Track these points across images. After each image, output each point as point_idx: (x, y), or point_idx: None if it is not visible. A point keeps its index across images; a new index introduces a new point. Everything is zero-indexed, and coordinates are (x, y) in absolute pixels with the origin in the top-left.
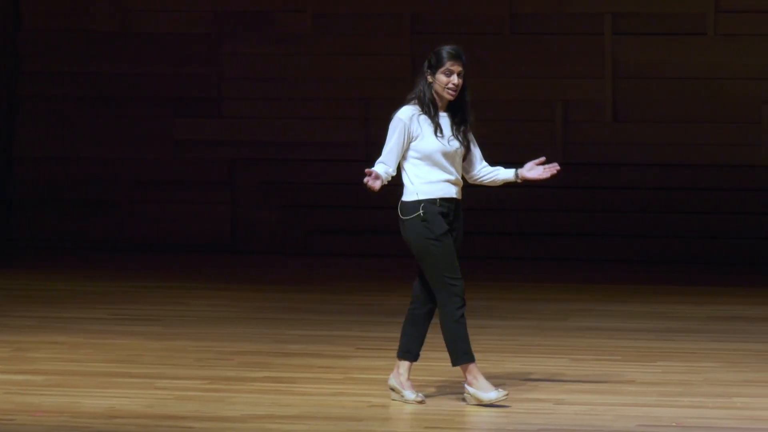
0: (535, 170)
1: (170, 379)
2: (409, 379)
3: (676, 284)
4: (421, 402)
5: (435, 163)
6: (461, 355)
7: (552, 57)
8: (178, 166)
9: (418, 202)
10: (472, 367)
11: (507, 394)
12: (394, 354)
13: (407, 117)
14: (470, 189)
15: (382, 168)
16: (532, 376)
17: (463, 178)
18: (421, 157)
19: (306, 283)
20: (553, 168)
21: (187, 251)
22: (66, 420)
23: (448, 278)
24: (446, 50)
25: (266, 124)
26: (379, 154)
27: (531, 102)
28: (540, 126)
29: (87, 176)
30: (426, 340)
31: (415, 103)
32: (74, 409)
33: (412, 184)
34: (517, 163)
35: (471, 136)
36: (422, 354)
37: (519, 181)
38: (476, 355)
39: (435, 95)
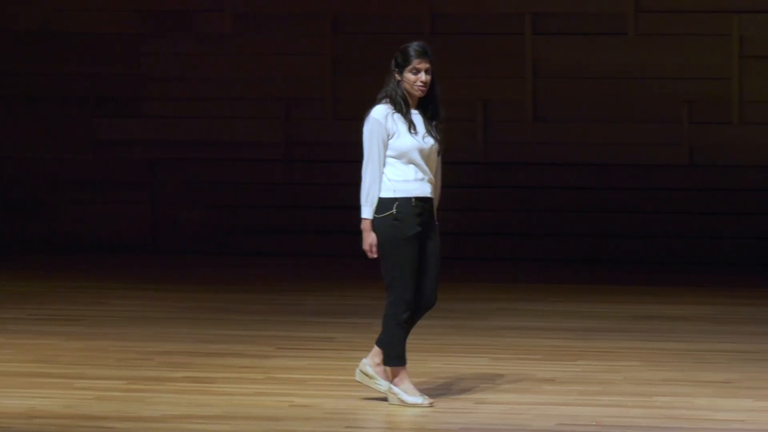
0: None
1: (91, 380)
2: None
3: (596, 283)
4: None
5: (410, 161)
6: (394, 358)
7: (472, 57)
8: (98, 166)
9: (394, 200)
10: (403, 372)
11: (432, 404)
12: (315, 354)
13: (382, 116)
14: None
15: (375, 188)
16: (453, 376)
17: None
18: (397, 156)
19: (227, 283)
20: None
21: (107, 251)
22: None
23: (403, 282)
24: (412, 48)
25: (187, 123)
26: (300, 153)
27: (452, 102)
28: (461, 126)
29: (7, 176)
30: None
31: (386, 102)
32: None
33: (389, 180)
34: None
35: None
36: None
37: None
38: None
39: (405, 93)
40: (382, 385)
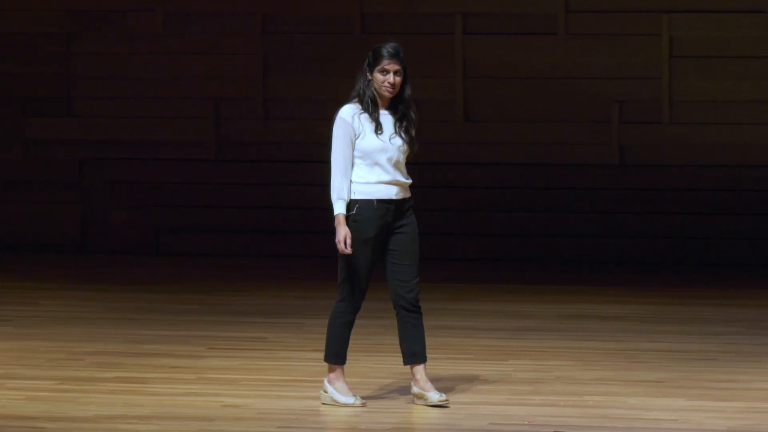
0: None
1: (21, 380)
2: (428, 380)
3: (527, 283)
4: (445, 402)
5: (375, 163)
6: (333, 356)
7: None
8: (28, 166)
9: (354, 201)
10: (339, 370)
11: (364, 404)
12: (247, 354)
13: (349, 116)
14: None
15: (345, 189)
16: (386, 375)
17: None
18: (362, 156)
19: (157, 283)
20: None
21: (37, 251)
22: None
23: (354, 283)
24: (384, 48)
25: (117, 123)
26: (231, 153)
27: None
28: None
29: None
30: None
31: (356, 101)
32: None
33: (352, 183)
34: None
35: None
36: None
37: None
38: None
39: (375, 93)
40: (434, 397)
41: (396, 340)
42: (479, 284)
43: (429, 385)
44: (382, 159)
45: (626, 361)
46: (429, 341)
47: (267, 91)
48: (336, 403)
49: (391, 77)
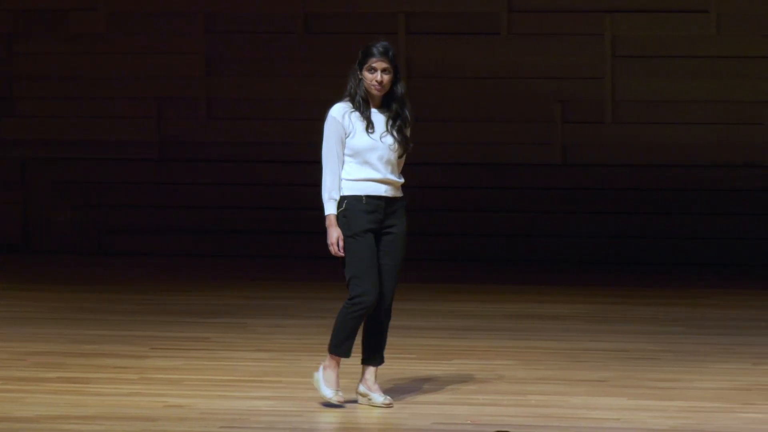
0: None
1: None
2: (376, 382)
3: (470, 283)
4: (389, 405)
5: (365, 162)
6: (334, 345)
7: (346, 57)
8: None
9: (343, 198)
10: (335, 363)
11: (341, 401)
12: (190, 354)
13: (340, 114)
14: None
15: (333, 201)
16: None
17: None
18: (352, 154)
19: (100, 283)
20: None
21: None
22: None
23: (359, 279)
24: (372, 47)
25: (60, 123)
26: (174, 153)
27: (325, 101)
28: None
29: None
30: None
31: (347, 100)
32: None
33: (341, 179)
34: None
35: (409, 134)
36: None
37: None
38: (273, 354)
39: (366, 92)
40: (378, 399)
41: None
42: (423, 284)
43: (376, 386)
44: (373, 157)
45: (569, 360)
46: None
47: (210, 90)
48: (318, 391)
49: (378, 75)
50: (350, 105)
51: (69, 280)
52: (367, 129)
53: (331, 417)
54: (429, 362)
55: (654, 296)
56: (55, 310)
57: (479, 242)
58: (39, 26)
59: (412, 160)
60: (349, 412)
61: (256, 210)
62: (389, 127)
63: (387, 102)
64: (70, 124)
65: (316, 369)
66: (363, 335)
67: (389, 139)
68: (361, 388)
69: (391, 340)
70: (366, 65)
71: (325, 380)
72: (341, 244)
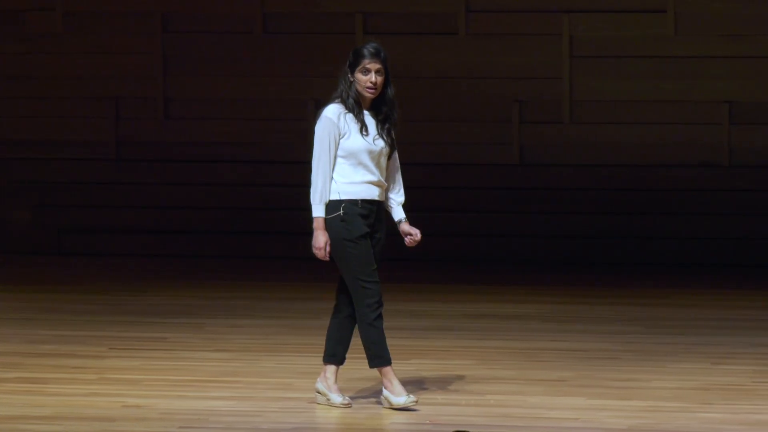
0: (406, 236)
1: None
2: (336, 382)
3: (428, 283)
4: (347, 405)
5: (359, 163)
6: (374, 358)
7: (304, 56)
8: None
9: (340, 201)
10: (386, 370)
11: (416, 401)
12: (148, 354)
13: (335, 115)
14: None
15: (321, 204)
16: (287, 375)
17: None
18: (346, 156)
19: (59, 283)
20: (414, 240)
21: None
22: None
23: (362, 281)
24: (364, 48)
25: (16, 123)
26: (130, 153)
27: (283, 101)
28: (292, 125)
29: None
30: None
31: (339, 102)
32: None
33: (335, 182)
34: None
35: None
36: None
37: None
38: (232, 354)
39: (357, 94)
40: (336, 399)
41: (298, 340)
42: (382, 284)
43: (336, 387)
44: (366, 159)
45: (528, 360)
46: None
47: (167, 90)
48: (392, 406)
49: (372, 76)
50: (342, 107)
51: (27, 281)
52: (361, 131)
53: (289, 417)
54: None
55: (612, 296)
56: (13, 310)
57: (437, 242)
58: None
59: None
60: (307, 413)
61: (214, 210)
62: (379, 130)
63: (377, 104)
64: (26, 125)
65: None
66: (328, 332)
67: (381, 142)
68: (320, 386)
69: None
70: (359, 67)
71: (395, 393)
72: (328, 249)
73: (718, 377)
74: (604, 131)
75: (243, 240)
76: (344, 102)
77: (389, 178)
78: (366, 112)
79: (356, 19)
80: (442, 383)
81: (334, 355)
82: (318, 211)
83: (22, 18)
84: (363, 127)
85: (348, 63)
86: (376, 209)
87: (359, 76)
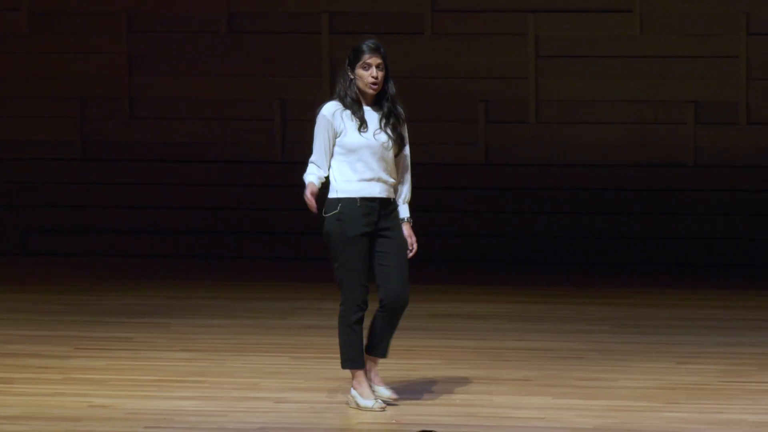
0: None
1: None
2: (377, 374)
3: None
4: (382, 409)
5: (358, 160)
6: (348, 360)
7: (269, 56)
8: None
9: (338, 200)
10: (358, 373)
11: (384, 408)
12: (113, 354)
13: (330, 113)
14: None
15: (314, 174)
16: (253, 375)
17: None
18: (345, 153)
19: (24, 283)
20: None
21: None
22: None
23: (349, 282)
24: (363, 44)
25: None
26: (96, 153)
27: (250, 101)
28: (259, 125)
29: None
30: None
31: (337, 100)
32: None
33: (335, 181)
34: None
35: (405, 132)
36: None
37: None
38: (198, 354)
39: (358, 91)
40: (382, 392)
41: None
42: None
43: (379, 379)
44: (365, 156)
45: (493, 359)
46: (295, 341)
47: (132, 90)
48: (359, 407)
49: (374, 71)
50: (340, 104)
51: None
52: (360, 127)
53: (255, 417)
54: None
55: (578, 295)
56: None
57: None
58: None
59: None
60: (274, 412)
61: (180, 210)
62: (383, 125)
63: (379, 100)
64: None
65: (350, 394)
66: (372, 330)
67: (383, 137)
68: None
69: (314, 339)
70: (359, 63)
71: (361, 395)
72: (313, 201)
73: (684, 376)
74: (569, 131)
75: (209, 240)
76: (342, 99)
77: (402, 176)
78: (367, 108)
79: (322, 19)
80: (409, 383)
81: (375, 348)
82: (308, 179)
83: None
84: (362, 124)
85: (347, 60)
86: (380, 206)
87: (360, 72)
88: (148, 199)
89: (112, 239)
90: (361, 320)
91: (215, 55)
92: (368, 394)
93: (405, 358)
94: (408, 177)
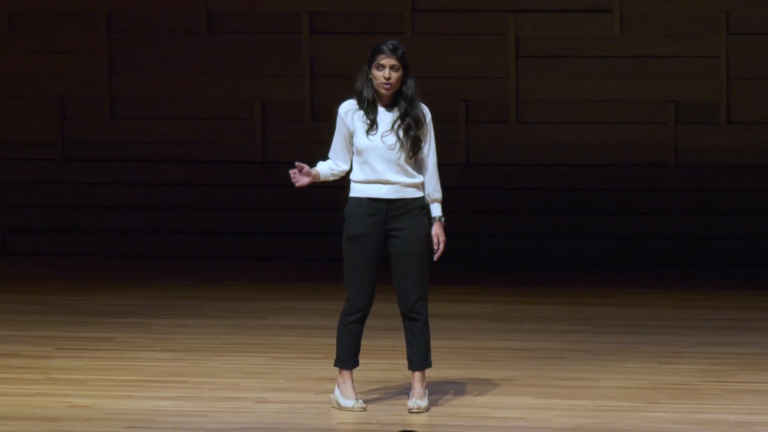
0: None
1: None
2: (417, 388)
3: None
4: (362, 409)
5: (365, 161)
6: (338, 359)
7: (250, 56)
8: None
9: (349, 199)
10: (344, 372)
11: (364, 408)
12: (94, 354)
13: (344, 111)
14: None
15: (325, 164)
16: (233, 375)
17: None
18: (356, 154)
19: (3, 283)
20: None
21: None
22: None
23: (352, 282)
24: (381, 45)
25: None
26: (76, 153)
27: (230, 101)
28: (239, 125)
29: None
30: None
31: (354, 98)
32: None
33: (351, 180)
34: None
35: (425, 135)
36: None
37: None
38: (178, 354)
39: (374, 91)
40: (347, 403)
41: (244, 339)
42: (327, 283)
43: (417, 391)
44: (372, 157)
45: (474, 359)
46: (276, 341)
47: (113, 90)
48: (339, 406)
49: (386, 72)
50: (356, 103)
51: None
52: (370, 128)
53: (236, 417)
54: (333, 362)
55: (559, 295)
56: None
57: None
58: None
59: (317, 161)
60: (254, 413)
61: (160, 210)
62: (395, 127)
63: (396, 101)
64: None
65: (331, 397)
66: (407, 337)
67: (391, 139)
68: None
69: (295, 339)
70: (375, 62)
71: (342, 395)
72: (297, 175)
73: (665, 376)
74: (550, 131)
75: (190, 240)
76: (358, 97)
77: (424, 176)
78: (382, 109)
79: (302, 19)
80: (389, 383)
81: (410, 362)
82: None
83: None
84: (372, 125)
85: (367, 60)
86: (387, 207)
87: (374, 72)
88: (128, 200)
89: (93, 239)
90: (359, 321)
91: (195, 54)
92: (350, 394)
93: (386, 358)
94: (430, 177)
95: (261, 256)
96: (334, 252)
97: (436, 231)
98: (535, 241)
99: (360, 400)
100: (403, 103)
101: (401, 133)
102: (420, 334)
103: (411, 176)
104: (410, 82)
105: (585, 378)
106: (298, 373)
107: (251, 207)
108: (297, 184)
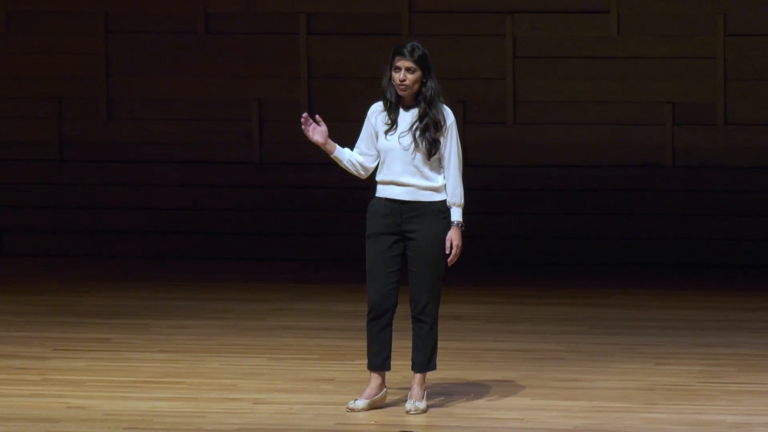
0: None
1: None
2: (415, 389)
3: None
4: (350, 410)
5: (384, 162)
6: (367, 357)
7: (247, 56)
8: None
9: (372, 197)
10: (370, 373)
11: (352, 409)
12: (92, 355)
13: (371, 111)
14: None
15: (348, 150)
16: (231, 376)
17: None
18: (380, 154)
19: (0, 284)
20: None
21: None
22: None
23: (369, 280)
24: (399, 47)
25: None
26: (73, 153)
27: (227, 101)
28: (236, 125)
29: None
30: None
31: (382, 99)
32: None
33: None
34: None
35: (446, 138)
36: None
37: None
38: (176, 355)
39: (395, 92)
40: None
41: (242, 341)
42: (323, 284)
43: (415, 392)
44: (389, 158)
45: (472, 360)
46: (273, 342)
47: (110, 90)
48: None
49: (402, 74)
50: (383, 104)
51: None
52: (389, 129)
53: (233, 418)
54: (331, 363)
55: (556, 296)
56: None
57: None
58: None
59: (312, 161)
60: (252, 413)
61: (158, 211)
62: (413, 128)
63: (417, 102)
64: None
65: None
66: (413, 338)
67: (407, 140)
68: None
69: (292, 340)
70: (393, 64)
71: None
72: (307, 124)
73: (662, 377)
74: (547, 132)
75: (188, 240)
76: (384, 97)
77: (446, 179)
78: (403, 111)
79: (299, 19)
80: (389, 383)
81: (413, 363)
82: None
83: None
84: (392, 125)
85: (389, 61)
86: (401, 208)
87: (392, 73)
88: (125, 200)
89: (90, 240)
90: (374, 319)
91: (193, 55)
92: (363, 394)
93: None
94: (453, 180)
95: (258, 257)
96: (332, 253)
97: (451, 235)
98: (532, 242)
99: (359, 402)
100: (422, 105)
101: (417, 134)
102: (425, 338)
103: (428, 179)
104: (431, 84)
105: (583, 379)
106: (296, 374)
107: (249, 207)
108: (307, 134)
